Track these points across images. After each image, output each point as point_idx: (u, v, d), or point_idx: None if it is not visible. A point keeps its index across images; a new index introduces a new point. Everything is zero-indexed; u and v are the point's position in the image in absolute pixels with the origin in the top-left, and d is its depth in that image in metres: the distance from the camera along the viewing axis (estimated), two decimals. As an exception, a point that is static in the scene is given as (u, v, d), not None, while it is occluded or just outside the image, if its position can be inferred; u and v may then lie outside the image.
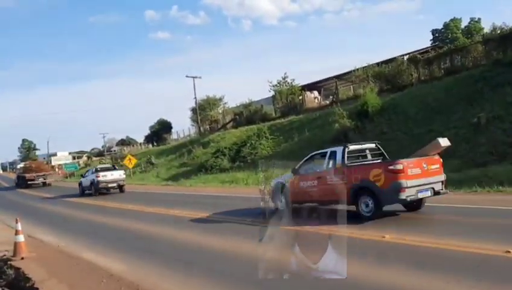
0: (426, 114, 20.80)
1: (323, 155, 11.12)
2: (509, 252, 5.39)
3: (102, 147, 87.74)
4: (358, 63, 31.15)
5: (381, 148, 11.26)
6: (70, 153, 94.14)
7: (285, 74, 38.17)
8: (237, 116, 42.11)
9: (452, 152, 16.62)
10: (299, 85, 37.49)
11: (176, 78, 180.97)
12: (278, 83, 38.10)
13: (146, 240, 9.75)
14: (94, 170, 26.32)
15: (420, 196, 9.36)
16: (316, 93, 37.99)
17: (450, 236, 6.72)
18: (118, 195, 23.93)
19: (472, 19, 67.55)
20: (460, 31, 67.02)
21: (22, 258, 8.57)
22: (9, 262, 8.38)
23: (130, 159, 36.34)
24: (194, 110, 48.95)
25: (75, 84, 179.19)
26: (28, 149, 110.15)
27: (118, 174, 25.47)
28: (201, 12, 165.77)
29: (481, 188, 11.30)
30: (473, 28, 64.39)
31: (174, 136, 59.31)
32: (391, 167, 9.21)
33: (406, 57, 30.02)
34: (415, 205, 9.92)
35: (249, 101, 40.93)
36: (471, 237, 6.52)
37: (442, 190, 9.65)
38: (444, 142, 10.71)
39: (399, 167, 9.09)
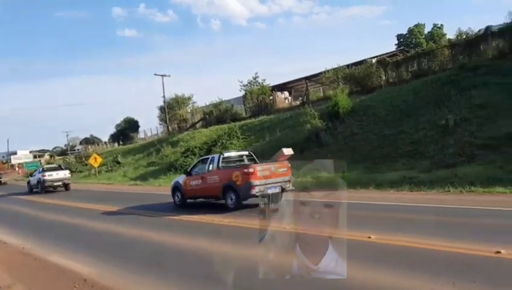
0: (396, 116, 21.19)
1: (206, 160, 14.29)
2: (499, 252, 5.44)
3: (65, 145, 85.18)
4: (327, 65, 31.61)
5: (253, 154, 14.45)
6: (31, 152, 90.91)
7: (256, 73, 38.12)
8: (207, 116, 41.65)
9: (422, 153, 17.17)
10: (270, 85, 37.53)
11: (143, 76, 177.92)
12: (249, 82, 38.01)
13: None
14: (41, 169, 29.19)
15: (269, 192, 11.83)
16: (286, 93, 38.13)
17: (436, 237, 6.74)
18: (63, 193, 25.83)
19: (435, 25, 70.01)
20: (423, 36, 69.27)
21: (-16, 262, 8.05)
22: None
23: (95, 158, 35.30)
24: (162, 108, 48.10)
25: (37, 81, 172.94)
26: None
27: (63, 174, 28.00)
28: (170, 10, 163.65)
29: (454, 188, 11.53)
30: (436, 33, 66.67)
31: (141, 135, 58.15)
32: (245, 170, 12.17)
33: (374, 60, 30.59)
34: (274, 199, 10.14)
35: (219, 100, 40.55)
36: (457, 238, 6.57)
37: (288, 187, 11.87)
38: (288, 151, 14.70)
39: (251, 170, 12.07)
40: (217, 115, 39.32)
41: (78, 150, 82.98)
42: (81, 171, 44.70)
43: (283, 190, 11.89)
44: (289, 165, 12.62)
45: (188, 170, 15.19)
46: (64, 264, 7.40)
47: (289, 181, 12.12)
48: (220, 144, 29.12)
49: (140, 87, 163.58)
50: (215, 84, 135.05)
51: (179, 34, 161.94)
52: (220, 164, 13.32)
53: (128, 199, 18.78)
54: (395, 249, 6.35)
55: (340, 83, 28.52)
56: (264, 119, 31.41)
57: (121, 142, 58.28)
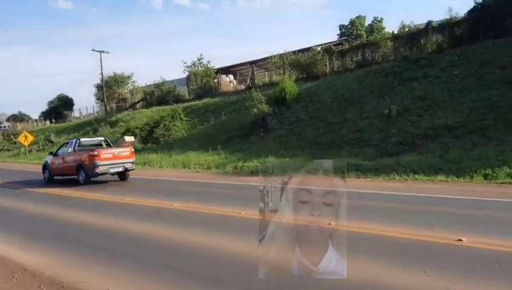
0: (341, 104, 21.58)
1: (67, 144, 17.62)
2: (461, 240, 5.54)
3: (-11, 121, 78.64)
4: (269, 51, 31.45)
5: (109, 141, 18.19)
6: None
7: (200, 55, 37.16)
8: (148, 96, 40.16)
9: (366, 141, 17.61)
10: (215, 68, 36.86)
11: (78, 52, 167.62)
12: (193, 64, 37.07)
13: None
14: None
15: (112, 171, 15.45)
16: (231, 77, 37.67)
17: (395, 223, 6.80)
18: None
19: (375, 18, 72.32)
20: (364, 28, 71.45)
21: None
22: None
23: (25, 136, 32.91)
24: (99, 87, 45.80)
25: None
26: None
27: None
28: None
29: (399, 176, 11.87)
30: (376, 26, 68.97)
31: (76, 113, 55.11)
32: (91, 153, 15.27)
33: (319, 48, 30.93)
34: (121, 176, 16.06)
35: (162, 80, 39.22)
36: (417, 225, 6.66)
37: (130, 167, 15.81)
38: (129, 138, 17.73)
39: (95, 153, 15.18)
40: (159, 95, 38.01)
41: (5, 127, 77.26)
42: (9, 150, 41.61)
43: (126, 169, 15.72)
44: (132, 149, 16.36)
45: (54, 151, 18.35)
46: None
47: (132, 163, 15.97)
48: (162, 125, 28.28)
49: (76, 63, 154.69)
50: (156, 64, 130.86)
51: (118, 10, 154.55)
52: (76, 148, 16.49)
53: (13, 175, 20.95)
54: (356, 236, 6.30)
55: (287, 69, 28.59)
56: (209, 102, 30.87)
57: (53, 121, 54.83)
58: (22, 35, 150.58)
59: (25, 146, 34.35)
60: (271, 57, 30.85)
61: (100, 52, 42.21)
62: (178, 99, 34.89)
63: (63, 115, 54.80)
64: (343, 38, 53.29)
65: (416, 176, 11.66)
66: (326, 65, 27.54)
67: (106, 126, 35.02)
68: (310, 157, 16.99)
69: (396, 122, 17.46)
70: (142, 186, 14.98)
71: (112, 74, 45.64)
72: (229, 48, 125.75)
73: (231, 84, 36.45)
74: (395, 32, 25.47)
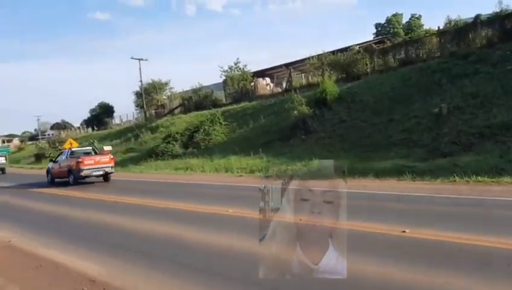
0: (385, 103, 20.86)
1: (62, 153, 21.71)
2: None
3: (36, 130, 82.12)
4: (302, 53, 31.00)
5: (96, 150, 22.48)
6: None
7: (237, 59, 37.22)
8: (185, 102, 40.56)
9: (415, 142, 16.86)
10: (251, 71, 36.77)
11: (116, 61, 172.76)
12: (230, 68, 37.12)
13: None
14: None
15: (94, 174, 19.22)
16: (267, 80, 37.45)
17: (478, 231, 6.27)
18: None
19: (413, 15, 70.37)
20: (401, 26, 69.64)
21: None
22: None
23: (71, 143, 33.58)
24: (138, 94, 46.65)
25: (6, 64, 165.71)
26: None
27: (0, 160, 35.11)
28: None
29: (459, 178, 11.18)
30: (414, 23, 67.11)
31: (116, 120, 56.46)
32: (77, 160, 19.20)
33: (357, 47, 30.16)
34: (104, 178, 19.75)
35: (199, 85, 39.47)
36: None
37: (110, 171, 19.70)
38: (107, 148, 22.75)
39: (80, 160, 19.10)
40: (196, 100, 38.29)
41: (49, 135, 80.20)
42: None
43: (106, 173, 19.56)
44: (111, 156, 20.34)
45: (54, 159, 22.42)
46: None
47: (111, 167, 19.81)
48: (202, 130, 28.28)
49: (114, 72, 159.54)
50: (191, 70, 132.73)
51: (153, 19, 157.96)
52: (68, 156, 20.46)
53: (24, 178, 26.20)
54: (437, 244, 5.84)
55: (326, 70, 28.04)
56: (247, 105, 30.70)
57: (95, 128, 56.38)
58: (61, 48, 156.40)
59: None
60: (309, 58, 30.31)
61: (139, 59, 42.97)
62: (215, 104, 34.96)
63: (104, 122, 56.28)
64: (379, 37, 52.04)
65: (479, 177, 10.93)
66: (367, 64, 26.80)
67: (147, 132, 35.52)
68: (356, 159, 16.46)
69: (447, 121, 16.61)
70: (194, 191, 14.73)
71: (150, 81, 46.40)
72: (261, 51, 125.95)
73: (268, 87, 36.21)
74: (441, 27, 24.40)
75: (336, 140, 20.30)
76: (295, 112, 23.56)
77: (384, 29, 70.21)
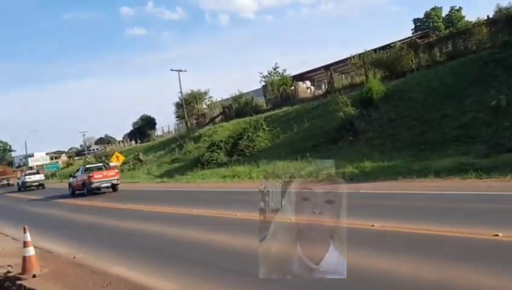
0: (436, 99, 19.98)
1: (79, 169, 25.74)
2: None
3: (81, 146, 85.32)
4: (339, 54, 30.41)
5: (106, 165, 26.94)
6: (47, 154, 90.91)
7: (275, 64, 37.05)
8: (226, 109, 40.73)
9: (474, 137, 15.98)
10: (290, 75, 36.47)
11: (154, 74, 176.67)
12: (269, 73, 37.03)
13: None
14: (24, 174, 40.57)
15: (103, 185, 22.49)
16: (308, 83, 37.02)
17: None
18: (39, 192, 32.88)
19: (452, 8, 67.83)
20: (441, 20, 67.27)
21: (34, 276, 6.89)
22: (18, 282, 6.92)
23: (117, 156, 34.56)
24: (178, 105, 47.32)
25: (50, 85, 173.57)
26: (3, 151, 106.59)
27: (39, 177, 38.41)
28: (178, 7, 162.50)
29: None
30: (454, 16, 64.70)
31: (158, 132, 57.54)
32: (89, 175, 22.56)
33: (398, 44, 29.22)
34: (112, 189, 23.02)
35: (239, 92, 39.54)
36: None
37: (116, 182, 22.98)
38: (113, 164, 28.29)
39: (91, 174, 22.48)
40: (237, 108, 38.32)
41: (94, 149, 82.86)
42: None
43: (113, 184, 22.86)
44: (117, 170, 24.62)
45: (73, 174, 26.02)
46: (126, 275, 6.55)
47: (117, 179, 23.08)
48: (246, 137, 28.15)
49: (153, 85, 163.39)
50: (229, 78, 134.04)
51: (188, 31, 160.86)
52: (83, 171, 24.06)
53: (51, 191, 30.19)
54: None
55: (368, 68, 27.32)
56: (289, 110, 30.43)
57: (138, 140, 57.71)
58: (101, 65, 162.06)
59: (117, 166, 36.25)
60: (350, 58, 29.67)
61: (178, 71, 43.57)
62: (256, 110, 34.84)
63: (146, 135, 57.48)
64: (419, 32, 50.39)
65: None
66: (412, 60, 25.87)
67: (190, 142, 35.87)
68: (413, 159, 15.79)
69: (507, 114, 15.65)
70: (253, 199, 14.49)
71: (190, 92, 46.97)
72: (298, 55, 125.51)
73: (308, 91, 35.74)
74: (490, 16, 23.20)
75: (387, 140, 19.64)
76: (340, 113, 23.06)
77: (424, 24, 68.02)
